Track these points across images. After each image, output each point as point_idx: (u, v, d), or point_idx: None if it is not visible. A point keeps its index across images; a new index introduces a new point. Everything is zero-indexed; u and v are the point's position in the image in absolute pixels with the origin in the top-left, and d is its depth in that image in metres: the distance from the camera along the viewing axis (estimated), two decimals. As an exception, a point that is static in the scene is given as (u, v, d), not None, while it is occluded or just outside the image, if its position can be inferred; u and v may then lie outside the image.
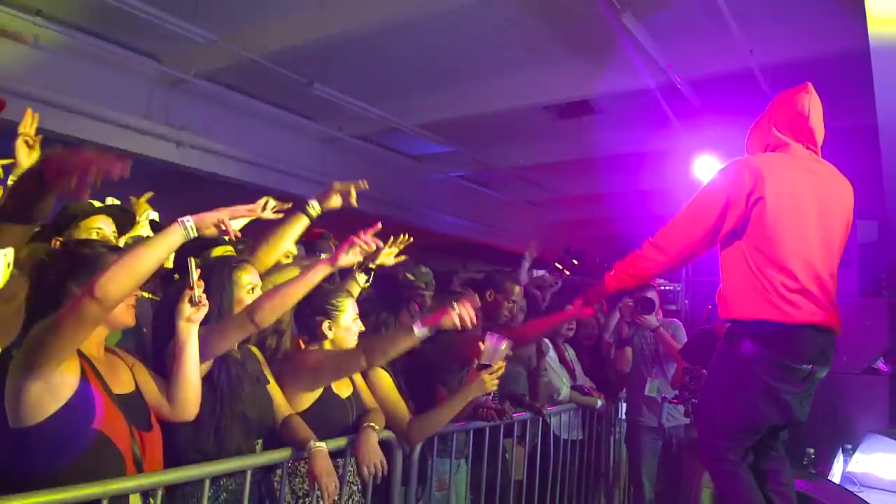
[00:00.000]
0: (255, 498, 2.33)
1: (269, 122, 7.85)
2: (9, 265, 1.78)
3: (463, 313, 2.45)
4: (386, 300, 3.14)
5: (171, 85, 6.77)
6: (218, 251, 2.75)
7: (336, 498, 2.31)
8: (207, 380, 2.19)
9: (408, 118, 7.75)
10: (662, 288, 8.09)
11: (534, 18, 5.73)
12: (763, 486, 2.61)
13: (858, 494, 3.34)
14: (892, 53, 4.24)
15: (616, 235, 13.17)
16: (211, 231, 1.91)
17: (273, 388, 2.45)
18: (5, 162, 2.70)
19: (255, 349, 2.52)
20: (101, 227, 2.70)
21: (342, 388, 2.68)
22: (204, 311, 2.00)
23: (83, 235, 2.62)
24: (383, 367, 2.89)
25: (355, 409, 2.67)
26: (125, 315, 1.93)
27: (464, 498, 3.30)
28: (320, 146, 8.61)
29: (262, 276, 2.57)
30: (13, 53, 5.67)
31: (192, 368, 2.01)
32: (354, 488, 2.57)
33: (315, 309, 2.67)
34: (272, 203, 2.35)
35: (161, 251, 1.77)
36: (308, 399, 2.54)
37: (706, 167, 6.74)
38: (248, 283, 2.35)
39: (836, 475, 3.83)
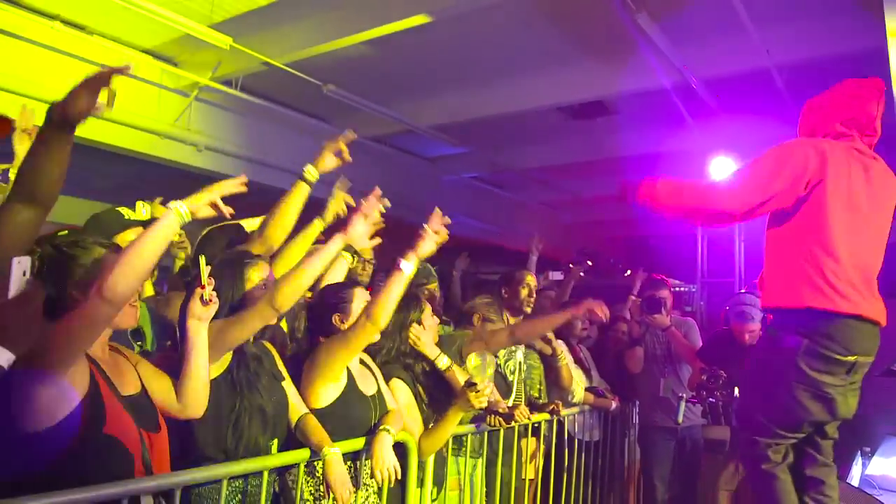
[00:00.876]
0: (269, 497, 2.35)
1: (284, 125, 7.90)
2: (25, 273, 1.77)
3: (434, 227, 2.62)
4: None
5: (188, 89, 6.83)
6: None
7: (352, 502, 2.33)
8: (226, 376, 2.22)
9: (422, 120, 7.77)
10: (678, 289, 8.05)
11: (548, 20, 5.73)
12: (803, 493, 2.57)
13: (878, 497, 3.31)
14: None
15: (631, 237, 13.15)
16: (206, 213, 1.89)
17: (288, 384, 2.47)
18: (4, 167, 2.68)
19: (269, 345, 2.53)
20: None
21: (367, 386, 2.68)
22: (214, 309, 1.99)
23: None
24: (403, 380, 2.91)
25: (379, 407, 2.67)
26: (128, 316, 1.91)
27: (479, 498, 3.31)
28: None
29: (275, 257, 2.59)
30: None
31: (201, 366, 2.01)
32: (371, 490, 2.58)
33: (326, 307, 2.69)
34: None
35: (160, 241, 1.75)
36: (332, 395, 2.54)
37: (722, 167, 6.71)
38: (259, 280, 2.35)
39: (854, 478, 3.80)
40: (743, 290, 4.76)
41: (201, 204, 1.88)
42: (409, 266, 2.53)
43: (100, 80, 1.72)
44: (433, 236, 2.53)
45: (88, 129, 6.03)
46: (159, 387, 2.01)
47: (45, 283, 1.81)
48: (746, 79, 6.07)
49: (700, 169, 6.92)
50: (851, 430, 5.67)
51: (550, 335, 3.91)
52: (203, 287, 1.95)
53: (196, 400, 2.02)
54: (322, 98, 6.97)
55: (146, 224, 2.52)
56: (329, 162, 2.74)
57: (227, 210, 1.93)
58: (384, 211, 2.67)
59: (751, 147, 6.91)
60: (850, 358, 2.36)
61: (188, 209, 1.82)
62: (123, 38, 6.10)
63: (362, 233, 2.43)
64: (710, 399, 3.86)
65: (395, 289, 2.50)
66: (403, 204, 9.45)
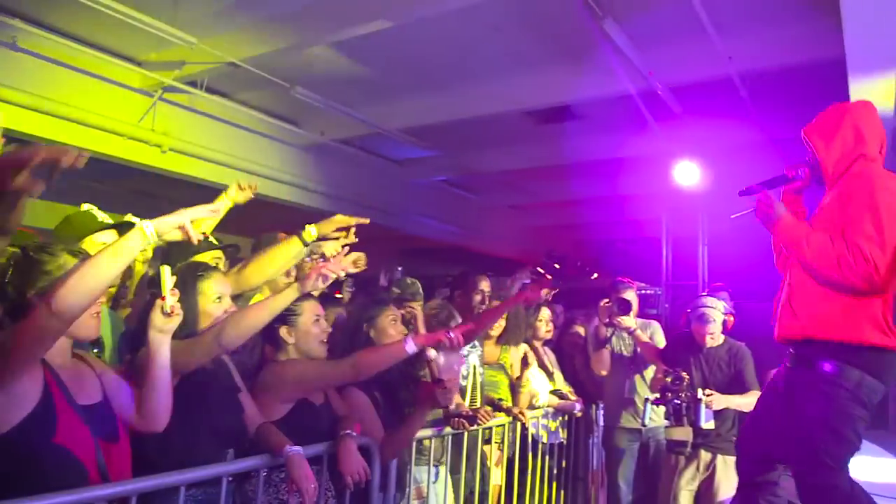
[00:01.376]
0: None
1: (251, 127, 7.82)
2: None
3: (455, 339, 2.60)
4: (365, 309, 3.13)
5: (153, 89, 6.72)
6: (203, 256, 2.73)
7: (315, 502, 2.31)
8: (177, 390, 2.17)
9: (390, 123, 7.75)
10: (643, 292, 8.13)
11: (516, 25, 5.75)
12: (759, 496, 2.68)
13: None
14: (867, 62, 4.32)
15: (597, 240, 13.27)
16: (174, 236, 1.86)
17: (244, 396, 2.44)
18: None
19: (225, 358, 2.50)
20: (106, 242, 2.64)
21: (315, 396, 2.67)
22: (177, 321, 1.95)
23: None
24: (357, 387, 2.89)
25: (327, 416, 2.67)
26: (89, 327, 1.88)
27: (442, 504, 3.30)
28: (303, 150, 8.59)
29: (240, 296, 2.58)
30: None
31: (162, 379, 1.97)
32: (329, 494, 2.57)
33: (275, 318, 2.68)
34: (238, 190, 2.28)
35: (121, 260, 1.72)
36: (283, 408, 2.54)
37: (686, 172, 6.82)
38: (213, 293, 2.32)
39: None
40: (704, 293, 4.82)
41: (169, 226, 1.82)
42: (412, 348, 2.60)
43: (46, 162, 1.72)
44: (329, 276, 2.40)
45: (51, 130, 5.93)
46: (121, 397, 1.97)
47: (9, 287, 1.79)
48: (710, 85, 6.16)
49: (665, 173, 7.03)
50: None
51: (532, 360, 3.98)
52: (163, 298, 1.91)
53: (158, 413, 1.98)
54: (290, 100, 6.92)
55: (119, 227, 2.50)
56: (329, 228, 2.75)
57: (196, 235, 1.89)
58: (365, 224, 2.69)
59: (714, 152, 7.07)
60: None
61: (155, 230, 1.78)
62: (85, 36, 5.97)
63: (319, 289, 2.41)
64: (675, 401, 3.89)
65: (391, 356, 2.62)
66: (371, 206, 9.51)
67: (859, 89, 4.58)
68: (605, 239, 13.12)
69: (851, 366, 2.42)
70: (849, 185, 2.53)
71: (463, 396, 3.69)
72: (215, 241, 2.96)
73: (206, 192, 3.70)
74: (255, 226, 4.67)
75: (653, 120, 6.76)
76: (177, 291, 1.95)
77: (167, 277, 1.93)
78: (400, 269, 5.54)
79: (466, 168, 9.52)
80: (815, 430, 2.45)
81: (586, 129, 7.98)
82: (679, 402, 3.85)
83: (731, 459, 3.98)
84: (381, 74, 6.88)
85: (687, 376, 3.91)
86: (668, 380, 3.90)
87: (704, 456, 4.00)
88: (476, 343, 3.90)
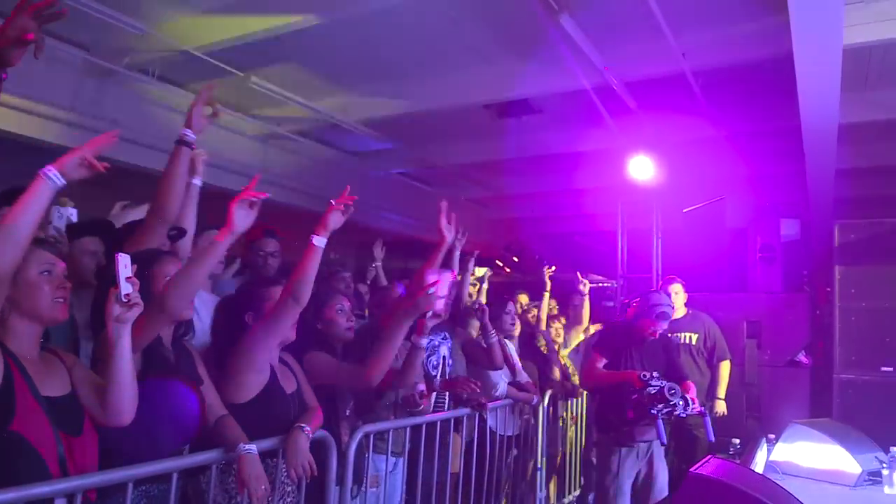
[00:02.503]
0: (179, 500, 2.28)
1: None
2: (126, 266, 1.80)
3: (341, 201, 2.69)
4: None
5: (101, 76, 6.54)
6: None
7: (268, 501, 2.29)
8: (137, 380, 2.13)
9: (348, 114, 7.69)
10: (600, 285, 8.26)
11: (474, 17, 5.76)
12: None
13: (780, 483, 3.48)
14: (814, 59, 4.45)
15: (555, 234, 13.41)
16: (80, 173, 1.78)
17: (207, 388, 2.41)
18: None
19: (189, 346, 2.47)
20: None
21: (287, 383, 2.65)
22: (137, 310, 1.88)
23: None
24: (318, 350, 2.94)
25: (297, 405, 2.65)
26: (53, 308, 1.85)
27: (398, 495, 3.31)
28: (259, 142, 8.46)
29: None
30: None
31: (125, 372, 1.90)
32: (288, 489, 2.55)
33: (240, 304, 2.67)
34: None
35: (35, 211, 1.68)
36: (255, 388, 2.50)
37: (640, 167, 6.94)
38: (166, 276, 2.26)
39: (759, 464, 3.99)
40: (654, 290, 4.92)
41: (73, 164, 1.75)
42: (321, 241, 2.56)
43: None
44: (339, 210, 2.59)
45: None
46: (88, 392, 1.93)
47: None
48: (664, 81, 6.26)
49: (621, 167, 7.14)
50: (757, 417, 5.97)
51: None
52: (117, 288, 1.83)
53: (122, 407, 1.92)
54: (247, 91, 6.80)
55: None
56: (199, 121, 2.65)
57: (102, 165, 1.80)
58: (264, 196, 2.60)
59: (668, 146, 7.20)
60: None
61: (59, 171, 1.72)
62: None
63: (245, 217, 2.28)
64: (681, 414, 3.82)
65: (312, 264, 2.52)
66: (329, 198, 9.37)
67: (806, 84, 4.71)
68: (563, 232, 13.26)
69: None
70: None
71: (433, 387, 3.71)
72: None
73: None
74: (212, 217, 4.59)
75: (608, 115, 6.85)
76: (136, 280, 1.87)
77: (124, 265, 1.85)
78: (377, 265, 5.52)
79: (425, 161, 9.51)
80: None
81: (544, 123, 8.05)
82: (684, 414, 3.85)
83: (660, 445, 4.09)
84: (339, 66, 6.82)
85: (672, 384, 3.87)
86: (665, 390, 3.80)
87: (642, 445, 4.09)
88: (446, 334, 3.93)
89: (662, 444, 3.94)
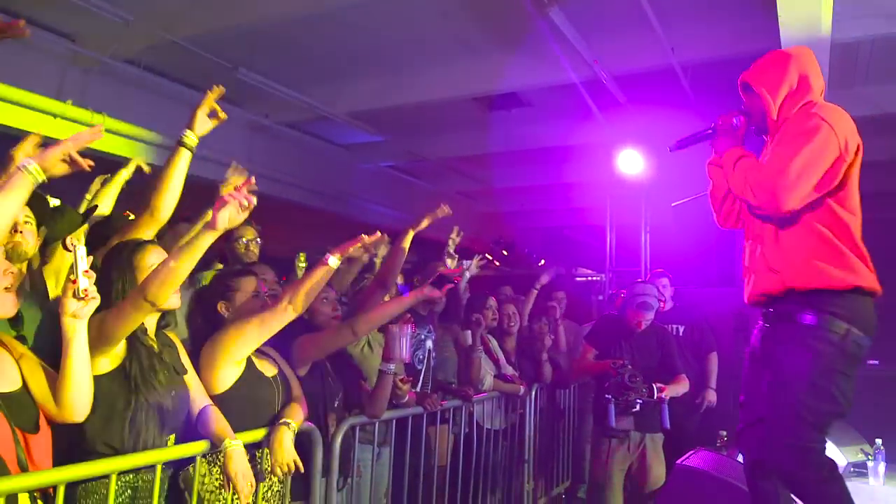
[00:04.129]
0: (169, 490, 2.27)
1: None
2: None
3: (366, 239, 2.64)
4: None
5: (87, 66, 6.47)
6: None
7: (253, 494, 2.28)
8: (120, 370, 2.11)
9: (337, 106, 7.64)
10: (589, 278, 8.29)
11: (464, 10, 5.74)
12: None
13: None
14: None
15: (543, 227, 13.43)
16: (61, 168, 1.72)
17: (191, 377, 2.39)
18: None
19: (173, 336, 2.44)
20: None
21: (267, 368, 2.64)
22: (93, 305, 1.78)
23: None
24: None
25: (282, 389, 2.64)
26: (4, 301, 1.78)
27: (384, 485, 3.31)
28: (247, 133, 8.40)
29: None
30: None
31: (79, 368, 1.83)
32: (274, 479, 2.54)
33: (213, 293, 2.65)
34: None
35: (10, 205, 1.61)
36: (230, 379, 2.49)
37: (629, 161, 6.94)
38: (150, 266, 2.22)
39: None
40: (641, 280, 4.94)
41: (54, 159, 1.69)
42: (335, 261, 2.58)
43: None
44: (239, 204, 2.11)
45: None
46: (41, 386, 1.85)
47: None
48: (653, 75, 6.27)
49: (609, 161, 7.14)
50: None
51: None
52: (75, 281, 1.73)
53: (74, 404, 1.84)
54: (234, 82, 6.74)
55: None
56: (204, 123, 2.60)
57: (86, 163, 1.74)
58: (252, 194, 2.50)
59: (657, 140, 7.21)
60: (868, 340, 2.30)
61: (39, 166, 1.65)
62: (17, 10, 5.69)
63: (230, 218, 2.09)
64: (638, 400, 3.91)
65: (318, 279, 2.53)
66: (318, 191, 9.38)
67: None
68: (552, 226, 13.27)
69: (836, 317, 2.26)
70: (790, 121, 2.41)
71: (417, 381, 3.72)
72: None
73: (146, 175, 3.61)
74: (196, 207, 4.56)
75: (597, 109, 6.85)
76: (92, 273, 1.78)
77: (81, 257, 1.74)
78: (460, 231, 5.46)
79: (414, 154, 9.48)
80: (794, 384, 2.28)
81: (532, 116, 8.05)
82: (640, 400, 3.90)
83: (659, 437, 4.11)
84: (328, 57, 6.78)
85: (635, 371, 3.95)
86: (625, 376, 3.91)
87: (634, 436, 4.10)
88: (431, 328, 3.94)
89: (664, 427, 3.98)
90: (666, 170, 7.14)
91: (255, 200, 2.10)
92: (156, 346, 2.26)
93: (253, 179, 2.20)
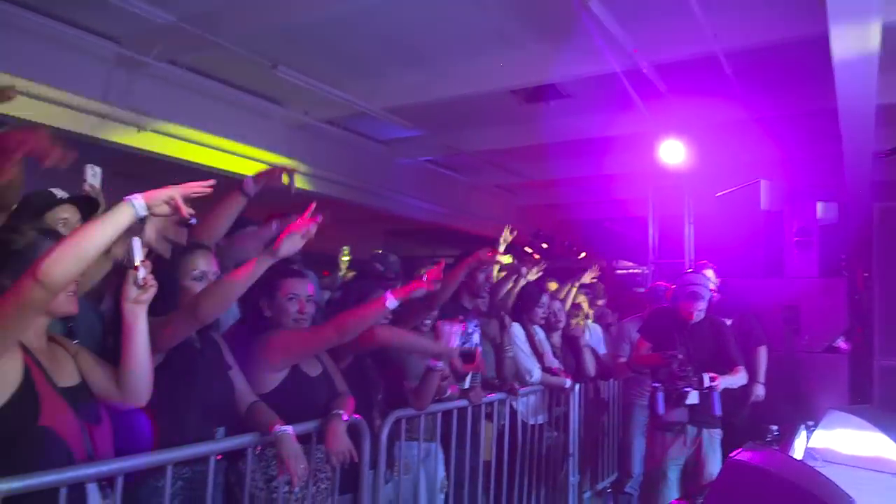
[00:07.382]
0: (219, 486, 2.31)
1: (233, 106, 7.70)
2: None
3: (432, 280, 2.64)
4: (357, 290, 3.13)
5: (131, 67, 6.61)
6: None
7: (305, 480, 2.32)
8: (163, 367, 2.15)
9: (375, 102, 7.68)
10: (631, 271, 8.19)
11: (500, 2, 5.70)
12: None
13: (819, 469, 3.41)
14: (851, 38, 4.32)
15: (584, 220, 13.30)
16: (162, 210, 1.80)
17: (235, 374, 2.43)
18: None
19: (216, 337, 2.49)
20: (67, 217, 2.50)
21: (311, 367, 2.67)
22: (151, 292, 1.86)
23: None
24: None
25: (325, 387, 2.66)
26: (67, 302, 1.84)
27: (436, 482, 3.32)
28: (287, 131, 8.49)
29: None
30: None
31: (141, 353, 1.90)
32: (322, 474, 2.57)
33: (255, 291, 2.68)
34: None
35: (108, 232, 1.69)
36: (274, 381, 2.53)
37: (671, 151, 6.83)
38: (194, 270, 2.30)
39: (797, 451, 3.92)
40: (690, 270, 4.86)
41: (159, 200, 1.77)
42: (393, 303, 2.62)
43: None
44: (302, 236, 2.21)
45: (26, 111, 5.81)
46: (99, 377, 1.93)
47: None
48: (695, 63, 6.14)
49: (651, 151, 7.03)
50: (795, 404, 5.87)
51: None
52: (136, 269, 1.82)
53: (138, 388, 1.92)
54: (274, 79, 6.83)
55: (78, 199, 2.47)
56: (261, 181, 2.70)
57: (188, 211, 1.82)
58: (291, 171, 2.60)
59: (699, 130, 7.07)
60: None
61: (144, 203, 1.73)
62: (62, 13, 5.84)
63: (293, 245, 2.18)
64: (685, 388, 3.88)
65: (372, 316, 2.60)
66: (357, 187, 9.42)
67: (842, 64, 4.58)
68: (592, 218, 13.14)
69: None
70: None
71: (464, 376, 3.71)
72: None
73: (186, 174, 3.67)
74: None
75: (638, 98, 6.74)
76: (149, 263, 1.86)
77: (137, 248, 1.84)
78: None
79: (452, 148, 9.47)
80: None
81: (572, 108, 7.95)
82: (689, 389, 3.86)
83: (717, 433, 4.03)
84: (366, 53, 6.81)
85: (685, 360, 3.90)
86: (675, 366, 3.87)
87: (690, 431, 4.04)
88: (477, 322, 3.93)
89: (714, 413, 3.92)
90: (709, 159, 7.01)
91: (314, 230, 2.21)
92: (198, 343, 2.31)
93: (320, 217, 2.26)
